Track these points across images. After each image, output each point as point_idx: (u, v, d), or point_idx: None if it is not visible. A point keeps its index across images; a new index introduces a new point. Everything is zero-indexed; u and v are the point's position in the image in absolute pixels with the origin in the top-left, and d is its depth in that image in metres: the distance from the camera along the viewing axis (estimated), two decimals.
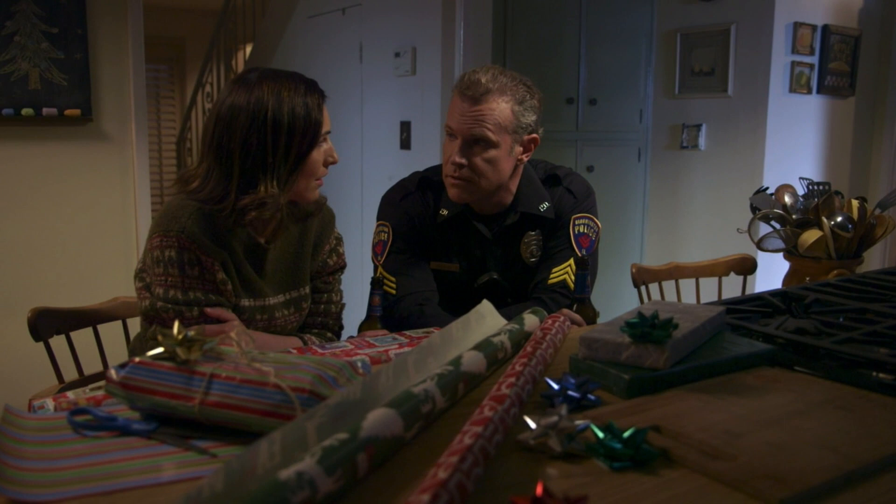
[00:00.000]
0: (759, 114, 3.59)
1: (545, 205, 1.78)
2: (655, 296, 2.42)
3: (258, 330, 1.46)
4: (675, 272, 2.43)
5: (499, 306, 1.77)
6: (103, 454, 0.83)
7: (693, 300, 2.42)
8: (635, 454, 0.78)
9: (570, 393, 0.94)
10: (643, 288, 2.35)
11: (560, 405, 0.84)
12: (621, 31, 3.96)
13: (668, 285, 2.46)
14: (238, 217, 1.36)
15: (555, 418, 0.81)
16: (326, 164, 1.45)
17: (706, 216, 3.87)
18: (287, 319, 1.53)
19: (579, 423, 0.82)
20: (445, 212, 1.77)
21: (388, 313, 1.73)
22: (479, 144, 1.65)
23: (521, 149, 1.72)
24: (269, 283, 1.49)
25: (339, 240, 1.65)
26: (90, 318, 1.75)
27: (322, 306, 1.63)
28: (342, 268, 1.66)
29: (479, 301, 1.36)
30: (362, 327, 1.60)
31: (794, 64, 3.61)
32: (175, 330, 0.90)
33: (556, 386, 0.95)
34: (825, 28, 3.71)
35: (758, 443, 0.82)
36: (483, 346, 1.07)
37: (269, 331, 1.49)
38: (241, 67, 5.78)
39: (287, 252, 1.53)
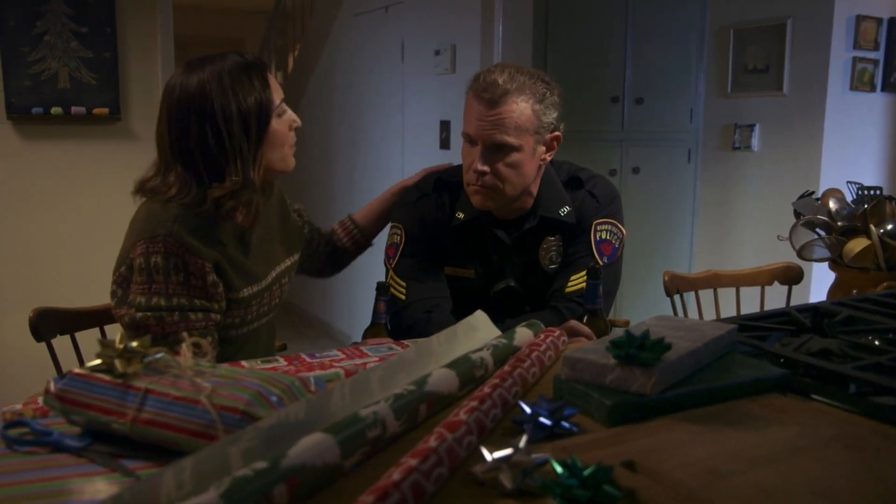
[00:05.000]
0: (816, 113, 3.39)
1: (566, 209, 1.68)
2: (691, 306, 2.29)
3: (262, 312, 1.48)
4: (714, 280, 2.29)
5: (516, 314, 1.69)
6: (28, 472, 0.78)
7: (733, 311, 2.28)
8: (594, 496, 0.69)
9: (542, 419, 0.85)
10: (678, 297, 2.22)
11: (519, 435, 0.76)
12: (671, 27, 3.79)
13: (707, 295, 2.32)
14: (217, 208, 1.35)
15: (509, 450, 0.73)
16: (292, 129, 1.44)
17: (759, 222, 3.67)
18: (284, 289, 1.56)
19: (537, 456, 0.73)
20: (462, 215, 1.69)
21: (396, 320, 1.66)
22: (502, 150, 1.56)
23: (544, 148, 1.63)
24: (259, 264, 1.47)
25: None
26: (96, 318, 1.72)
27: (319, 239, 1.75)
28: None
29: (494, 309, 1.27)
30: (367, 334, 1.53)
31: (855, 60, 3.40)
32: (117, 340, 0.85)
33: (528, 410, 0.86)
34: (892, 21, 3.48)
35: (743, 485, 0.72)
36: (459, 363, 0.98)
37: (270, 305, 1.51)
38: (291, 68, 5.79)
39: (270, 227, 1.53)
